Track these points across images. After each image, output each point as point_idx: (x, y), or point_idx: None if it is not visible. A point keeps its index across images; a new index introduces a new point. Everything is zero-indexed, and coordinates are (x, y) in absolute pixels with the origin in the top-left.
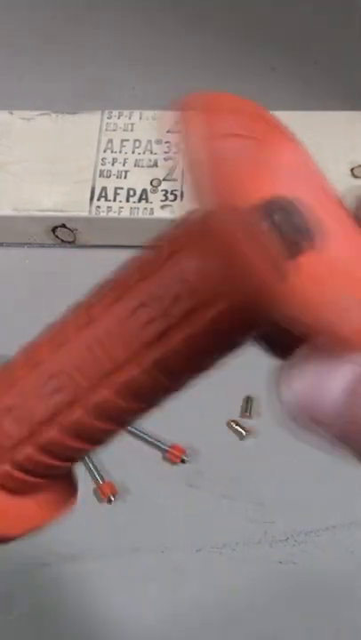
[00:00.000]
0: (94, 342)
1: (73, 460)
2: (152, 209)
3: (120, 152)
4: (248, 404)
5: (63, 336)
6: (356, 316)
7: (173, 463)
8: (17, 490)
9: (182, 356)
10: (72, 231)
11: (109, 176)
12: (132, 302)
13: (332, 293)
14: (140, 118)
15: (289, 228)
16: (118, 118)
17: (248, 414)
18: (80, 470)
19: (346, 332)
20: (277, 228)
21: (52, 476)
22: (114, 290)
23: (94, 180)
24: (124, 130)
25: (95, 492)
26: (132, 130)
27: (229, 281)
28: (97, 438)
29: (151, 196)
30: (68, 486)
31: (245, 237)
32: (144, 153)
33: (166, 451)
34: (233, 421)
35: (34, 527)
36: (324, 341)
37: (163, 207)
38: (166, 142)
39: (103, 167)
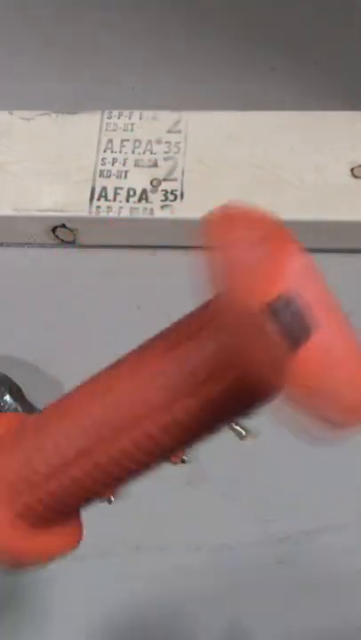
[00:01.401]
0: (117, 400)
1: (87, 500)
2: (152, 209)
3: (120, 152)
4: None
5: (91, 391)
6: (345, 397)
7: (173, 463)
8: (35, 523)
9: (183, 424)
10: (72, 231)
11: (109, 176)
12: (154, 369)
13: (324, 379)
14: (140, 118)
15: (290, 326)
16: (118, 118)
17: None
18: None
19: (337, 413)
20: (281, 327)
21: (67, 514)
22: (140, 356)
23: (94, 180)
24: (124, 130)
25: None
26: (132, 130)
27: (237, 367)
28: (109, 483)
29: (151, 196)
30: (77, 523)
31: (253, 336)
32: (144, 153)
33: None
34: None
35: (48, 558)
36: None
37: (163, 207)
38: (166, 142)
39: (103, 167)
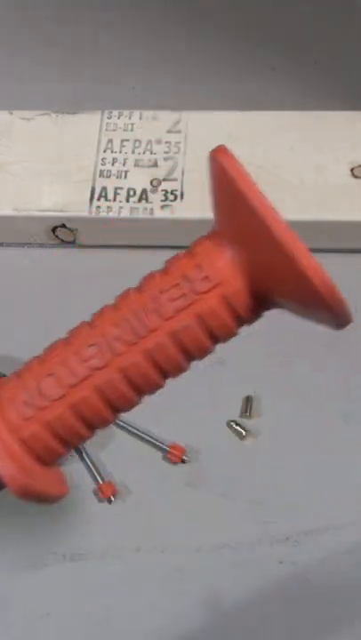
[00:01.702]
0: (131, 314)
1: (92, 427)
2: (152, 209)
3: (120, 152)
4: (248, 404)
5: (100, 315)
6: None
7: (173, 463)
8: (40, 457)
9: (194, 331)
10: (72, 231)
11: (109, 176)
12: (171, 280)
13: None
14: (140, 118)
15: None
16: (118, 118)
17: (248, 414)
18: (80, 470)
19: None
20: None
21: (66, 445)
22: (143, 285)
23: (94, 180)
24: (124, 130)
25: (95, 492)
26: (132, 130)
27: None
28: (119, 404)
29: (151, 196)
30: (62, 476)
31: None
32: (144, 153)
33: (166, 451)
34: (233, 421)
35: (47, 496)
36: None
37: (163, 207)
38: (166, 142)
39: (103, 167)
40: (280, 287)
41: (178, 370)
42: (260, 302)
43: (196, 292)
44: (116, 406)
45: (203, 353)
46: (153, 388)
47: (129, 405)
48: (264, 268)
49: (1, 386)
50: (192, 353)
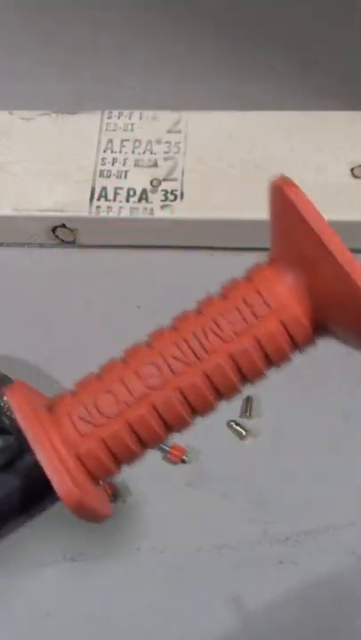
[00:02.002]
0: (190, 335)
1: (145, 446)
2: (152, 209)
3: (120, 152)
4: (248, 404)
5: (158, 336)
6: None
7: (173, 463)
8: (92, 473)
9: (251, 354)
10: (72, 231)
11: (109, 176)
12: (230, 304)
13: None
14: (140, 118)
15: None
16: (118, 118)
17: (248, 414)
18: None
19: None
20: None
21: (119, 465)
22: (202, 308)
23: (94, 179)
24: (124, 130)
25: None
26: (132, 130)
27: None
28: (173, 424)
29: (151, 196)
30: (107, 496)
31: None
32: (144, 153)
33: (166, 451)
34: (233, 421)
35: (97, 514)
36: None
37: (163, 207)
38: (166, 142)
39: (103, 167)
40: (339, 315)
41: (232, 392)
42: (316, 329)
43: (255, 316)
44: (170, 426)
45: (257, 377)
46: (207, 409)
47: (183, 426)
48: (324, 296)
49: (57, 402)
50: (247, 376)
